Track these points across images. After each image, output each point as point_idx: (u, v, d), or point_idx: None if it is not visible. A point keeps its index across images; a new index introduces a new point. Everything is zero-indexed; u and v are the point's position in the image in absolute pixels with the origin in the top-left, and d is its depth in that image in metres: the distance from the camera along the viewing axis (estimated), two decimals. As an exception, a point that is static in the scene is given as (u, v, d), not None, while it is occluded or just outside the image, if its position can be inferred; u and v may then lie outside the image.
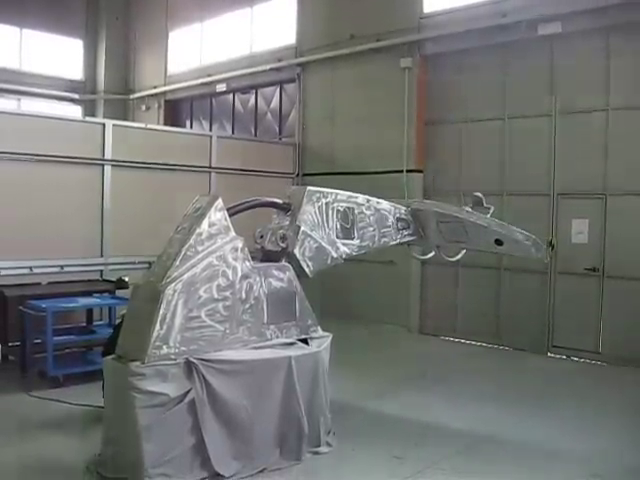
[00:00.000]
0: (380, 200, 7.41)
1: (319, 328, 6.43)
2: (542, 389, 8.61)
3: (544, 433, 6.87)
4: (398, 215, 7.45)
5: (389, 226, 7.34)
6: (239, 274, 5.77)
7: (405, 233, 7.54)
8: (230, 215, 6.07)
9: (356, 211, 7.00)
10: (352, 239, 6.93)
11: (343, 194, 6.94)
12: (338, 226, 6.80)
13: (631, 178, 9.90)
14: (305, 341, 6.24)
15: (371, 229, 7.15)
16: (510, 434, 6.85)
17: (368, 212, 7.13)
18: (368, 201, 7.19)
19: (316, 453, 6.03)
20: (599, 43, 10.17)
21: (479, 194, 7.69)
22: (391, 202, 7.51)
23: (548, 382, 9.03)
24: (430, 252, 8.20)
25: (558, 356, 10.52)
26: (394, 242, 7.47)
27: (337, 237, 6.77)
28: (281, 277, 6.13)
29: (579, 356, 10.30)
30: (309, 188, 6.69)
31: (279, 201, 6.65)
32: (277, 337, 6.05)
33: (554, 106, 10.65)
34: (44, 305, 8.21)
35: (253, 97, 16.29)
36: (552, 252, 10.51)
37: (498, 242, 7.26)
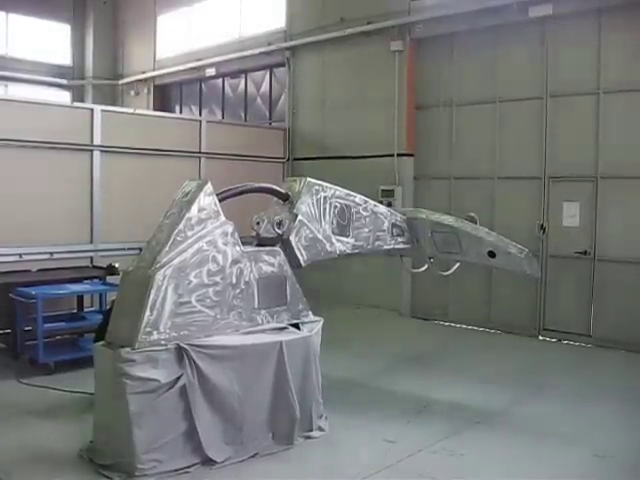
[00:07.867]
0: (377, 203, 7.45)
1: (310, 312, 6.41)
2: (536, 371, 8.63)
3: (540, 414, 6.91)
4: (394, 221, 7.45)
5: (384, 230, 7.32)
6: (229, 259, 5.74)
7: (399, 240, 7.53)
8: (228, 197, 6.07)
9: (353, 210, 6.98)
10: (347, 237, 6.92)
11: (342, 191, 6.92)
12: (334, 222, 6.76)
13: (622, 161, 9.87)
14: (296, 326, 6.23)
15: (366, 230, 7.12)
16: (505, 415, 6.89)
17: (365, 213, 7.11)
18: (365, 202, 7.17)
19: (308, 438, 6.02)
20: (591, 25, 10.10)
21: (473, 214, 7.76)
22: (388, 208, 7.50)
23: (541, 364, 9.07)
24: (423, 265, 8.20)
25: (549, 339, 10.56)
26: (388, 247, 7.45)
27: (333, 233, 6.74)
28: (272, 262, 6.10)
29: (570, 339, 10.34)
30: (309, 179, 6.64)
31: (277, 188, 6.61)
32: (268, 322, 6.03)
33: (545, 89, 10.61)
34: (34, 292, 8.16)
35: (243, 82, 16.17)
36: (543, 235, 10.64)
37: (491, 254, 7.26)
